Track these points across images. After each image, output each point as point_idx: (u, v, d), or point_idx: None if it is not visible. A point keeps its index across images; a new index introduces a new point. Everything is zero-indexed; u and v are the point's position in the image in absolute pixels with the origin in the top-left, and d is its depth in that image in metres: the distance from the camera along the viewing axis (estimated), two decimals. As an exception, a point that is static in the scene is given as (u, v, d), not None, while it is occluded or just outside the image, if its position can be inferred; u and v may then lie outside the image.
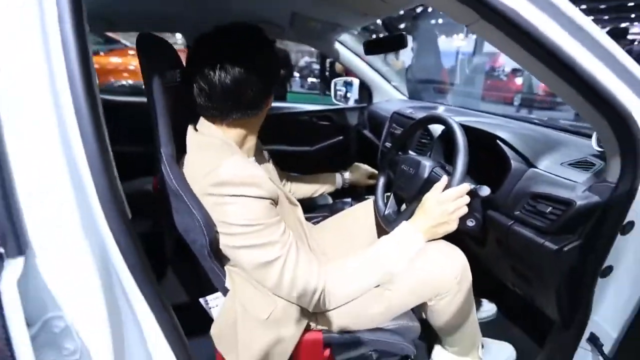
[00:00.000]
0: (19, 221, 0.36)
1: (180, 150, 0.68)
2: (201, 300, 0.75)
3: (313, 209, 1.44)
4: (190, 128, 0.72)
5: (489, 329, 1.17)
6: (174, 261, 0.78)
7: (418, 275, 0.81)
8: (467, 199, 0.75)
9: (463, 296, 0.85)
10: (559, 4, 0.54)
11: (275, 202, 0.67)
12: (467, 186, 0.75)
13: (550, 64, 0.58)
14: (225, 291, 0.73)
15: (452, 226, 0.75)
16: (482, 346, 1.06)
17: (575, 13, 0.55)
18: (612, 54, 0.57)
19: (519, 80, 6.93)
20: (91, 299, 0.42)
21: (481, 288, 1.31)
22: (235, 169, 0.62)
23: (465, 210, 0.75)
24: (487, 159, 0.92)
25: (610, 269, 0.73)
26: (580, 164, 0.79)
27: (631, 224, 0.68)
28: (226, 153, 0.65)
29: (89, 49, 0.40)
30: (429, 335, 1.07)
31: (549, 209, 0.75)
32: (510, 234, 0.83)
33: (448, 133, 0.85)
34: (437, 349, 1.05)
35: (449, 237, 1.09)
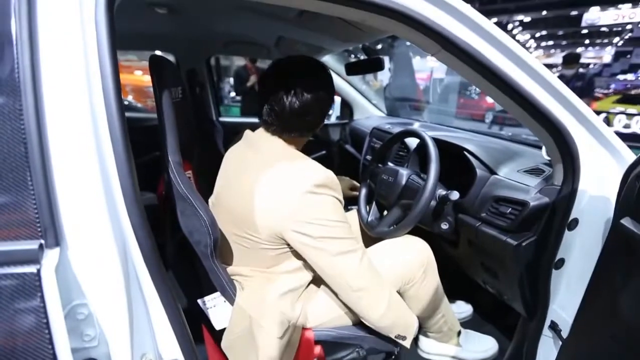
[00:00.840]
0: (57, 217, 0.42)
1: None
2: (199, 301, 0.79)
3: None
4: (248, 133, 0.84)
5: (467, 327, 1.26)
6: (174, 266, 0.82)
7: (389, 264, 0.90)
8: None
9: (430, 282, 0.95)
10: (506, 41, 0.67)
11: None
12: None
13: (501, 87, 0.70)
14: (223, 290, 0.78)
15: None
16: (460, 334, 1.14)
17: (519, 49, 0.68)
18: (548, 81, 0.70)
19: (489, 99, 7.38)
20: (113, 290, 0.48)
21: (458, 291, 1.42)
22: (327, 173, 0.73)
23: None
24: (456, 168, 1.04)
25: (562, 261, 0.85)
26: (534, 171, 0.92)
27: (576, 221, 0.80)
28: (302, 158, 0.77)
29: (118, 71, 0.47)
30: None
31: (509, 209, 0.86)
32: (478, 233, 0.93)
33: (422, 146, 0.96)
34: (420, 337, 1.13)
35: (428, 242, 1.20)
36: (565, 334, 0.88)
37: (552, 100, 0.70)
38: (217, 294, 0.79)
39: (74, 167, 0.44)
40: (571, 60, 3.84)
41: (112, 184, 0.47)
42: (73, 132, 0.44)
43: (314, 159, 2.00)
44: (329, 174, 0.74)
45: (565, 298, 0.88)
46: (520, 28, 16.45)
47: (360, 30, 0.98)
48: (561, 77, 3.95)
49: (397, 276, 0.91)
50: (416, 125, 1.66)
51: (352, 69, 1.38)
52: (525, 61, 0.67)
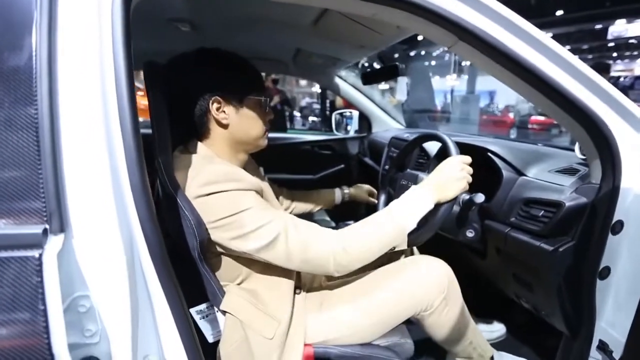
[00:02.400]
0: (63, 202, 0.42)
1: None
2: (192, 310, 0.75)
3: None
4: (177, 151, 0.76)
5: (501, 349, 1.14)
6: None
7: (404, 288, 0.82)
8: (471, 169, 0.80)
9: (453, 310, 0.85)
10: (527, 28, 0.63)
11: (259, 193, 0.72)
12: (469, 158, 0.81)
13: (525, 78, 0.66)
14: (214, 297, 0.74)
15: (462, 184, 0.78)
16: (492, 358, 1.03)
17: (541, 35, 0.64)
18: (576, 67, 0.65)
19: (512, 115, 7.19)
20: (116, 283, 0.46)
21: (489, 308, 1.31)
22: (216, 169, 0.68)
23: (471, 172, 0.80)
24: (480, 171, 0.98)
25: (607, 270, 0.76)
26: (567, 171, 0.85)
27: (620, 223, 0.72)
28: (207, 161, 0.71)
29: (132, 64, 0.48)
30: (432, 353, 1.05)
31: (541, 212, 0.79)
32: (507, 240, 0.86)
33: (443, 150, 0.91)
34: None
35: (452, 253, 1.12)
36: (617, 355, 0.77)
37: (583, 88, 0.65)
38: (208, 304, 0.76)
39: (84, 156, 0.44)
40: (601, 69, 3.69)
41: (120, 175, 0.47)
42: (85, 122, 0.44)
43: (332, 172, 1.98)
44: (218, 169, 0.68)
45: (615, 313, 0.78)
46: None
47: (375, 32, 0.98)
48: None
49: (409, 303, 0.82)
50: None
51: (368, 78, 1.38)
52: (550, 47, 0.63)
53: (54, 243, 0.40)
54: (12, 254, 0.38)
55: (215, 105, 0.74)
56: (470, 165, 0.82)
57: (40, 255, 0.39)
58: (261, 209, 0.68)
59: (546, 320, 0.93)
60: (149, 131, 0.70)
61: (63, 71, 0.43)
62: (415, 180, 0.99)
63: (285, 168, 2.09)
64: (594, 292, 0.77)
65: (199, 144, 0.77)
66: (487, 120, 7.65)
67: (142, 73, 0.78)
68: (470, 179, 0.80)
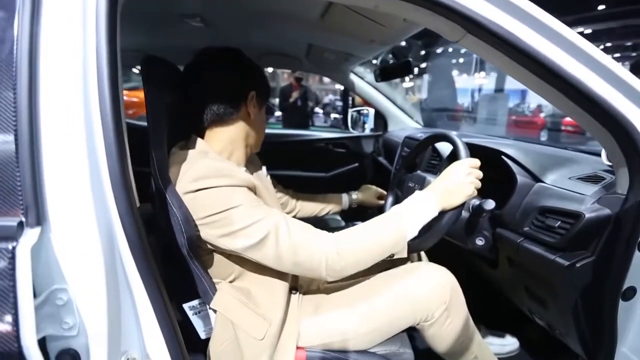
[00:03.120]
0: (41, 196, 0.42)
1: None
2: (185, 306, 0.75)
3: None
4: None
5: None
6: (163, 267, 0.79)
7: (403, 296, 0.78)
8: (480, 174, 0.75)
9: (455, 322, 0.80)
10: (544, 18, 0.57)
11: (252, 189, 0.70)
12: (478, 161, 0.75)
13: (540, 74, 0.60)
14: (205, 295, 0.73)
15: (468, 190, 0.72)
16: None
17: (561, 26, 0.58)
18: (602, 64, 0.58)
19: (543, 115, 6.79)
20: (94, 277, 0.46)
21: (502, 320, 1.23)
22: (208, 164, 0.67)
23: (479, 177, 0.75)
24: (493, 176, 0.91)
25: (633, 290, 0.68)
26: (590, 178, 0.77)
27: (649, 240, 0.64)
28: (201, 156, 0.71)
29: (117, 67, 0.47)
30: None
31: (558, 223, 0.72)
32: (520, 251, 0.79)
33: (455, 153, 0.86)
34: None
35: (462, 261, 1.05)
36: (640, 385, 0.69)
37: (610, 87, 0.58)
38: (200, 300, 0.75)
39: (63, 150, 0.44)
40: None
41: (100, 170, 0.46)
42: (64, 115, 0.44)
43: (345, 171, 1.94)
44: (210, 164, 0.67)
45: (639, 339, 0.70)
46: (581, 41, 15.18)
47: (382, 26, 0.93)
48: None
49: (408, 312, 0.78)
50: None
51: (381, 75, 1.33)
52: (572, 41, 0.57)
53: (29, 236, 0.40)
54: (-13, 245, 0.38)
55: (251, 97, 0.79)
56: (483, 169, 0.76)
57: (14, 247, 0.39)
58: (252, 206, 0.66)
59: (561, 340, 0.86)
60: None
61: (44, 64, 0.42)
62: (422, 183, 0.94)
63: (298, 165, 2.08)
64: (616, 314, 0.69)
65: (198, 139, 0.77)
66: (516, 121, 7.26)
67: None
68: (478, 184, 0.74)
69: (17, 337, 0.38)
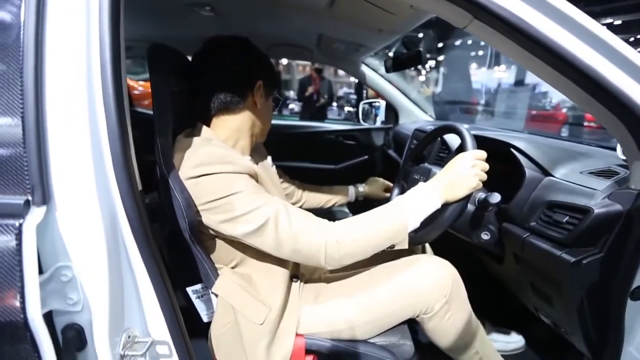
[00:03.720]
0: (47, 176, 0.43)
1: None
2: (188, 289, 0.77)
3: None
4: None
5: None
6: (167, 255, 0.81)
7: (403, 288, 0.78)
8: (486, 166, 0.73)
9: (456, 316, 0.79)
10: (555, 2, 0.54)
11: (253, 177, 0.70)
12: (485, 153, 0.73)
13: (552, 62, 0.58)
14: (207, 279, 0.75)
15: (472, 182, 0.71)
16: None
17: (574, 11, 0.55)
18: (619, 51, 0.55)
19: (565, 110, 6.51)
20: (97, 255, 0.48)
21: (508, 317, 1.21)
22: (210, 151, 0.68)
23: (485, 169, 0.73)
24: (501, 169, 0.89)
25: (642, 290, 0.66)
26: (603, 173, 0.74)
27: (663, 238, 0.62)
28: (204, 143, 0.72)
29: (120, 54, 0.48)
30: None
31: (566, 218, 0.70)
32: (525, 246, 0.78)
33: (462, 145, 0.84)
34: None
35: (468, 255, 1.03)
36: (647, 387, 0.67)
37: (626, 77, 0.55)
38: (203, 284, 0.77)
39: (67, 133, 0.45)
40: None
41: (103, 152, 0.48)
42: (69, 99, 0.45)
43: (355, 163, 1.93)
44: (212, 151, 0.68)
45: (649, 340, 0.68)
46: (610, 32, 14.43)
47: (390, 14, 0.91)
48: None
49: (407, 304, 0.78)
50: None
51: (392, 65, 1.30)
52: (586, 27, 0.54)
53: (35, 214, 0.42)
54: (-4, 221, 0.40)
55: (258, 86, 0.79)
56: (490, 161, 0.74)
57: (21, 224, 0.41)
58: (252, 193, 0.67)
59: (566, 338, 0.84)
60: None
61: (49, 50, 0.44)
62: (427, 175, 0.93)
63: (307, 156, 2.08)
64: (624, 314, 0.67)
65: (204, 127, 0.78)
66: (536, 116, 6.98)
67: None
68: (484, 177, 0.72)
69: (23, 309, 0.40)
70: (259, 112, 0.82)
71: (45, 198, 0.43)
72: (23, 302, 0.40)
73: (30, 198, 0.42)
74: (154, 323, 0.56)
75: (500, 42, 0.59)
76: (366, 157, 2.11)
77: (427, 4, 0.58)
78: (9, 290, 0.40)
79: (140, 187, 0.53)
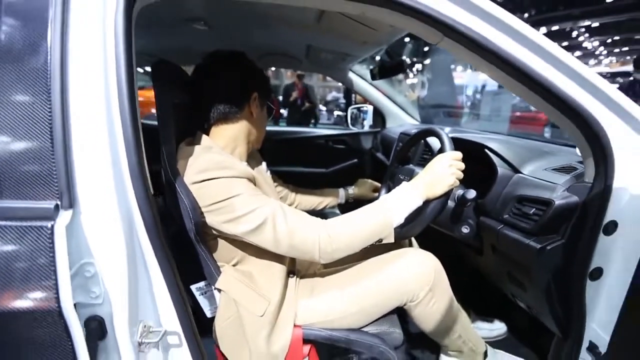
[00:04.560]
0: (72, 183, 0.49)
1: None
2: (192, 287, 0.83)
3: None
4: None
5: (500, 347, 1.14)
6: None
7: (391, 279, 0.85)
8: (462, 165, 0.80)
9: (439, 302, 0.87)
10: (513, 24, 0.63)
11: (251, 181, 0.77)
12: (460, 154, 0.81)
13: (512, 74, 0.66)
14: (210, 276, 0.80)
15: (450, 180, 0.78)
16: (486, 354, 1.04)
17: (529, 30, 0.64)
18: (567, 64, 0.64)
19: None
20: (116, 254, 0.53)
21: (491, 307, 1.30)
22: (210, 158, 0.75)
23: (461, 168, 0.80)
24: (477, 167, 0.98)
25: (599, 271, 0.74)
26: (564, 169, 0.83)
27: (614, 224, 0.71)
28: (205, 150, 0.78)
29: (133, 70, 0.54)
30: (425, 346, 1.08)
31: (533, 210, 0.78)
32: (500, 237, 0.86)
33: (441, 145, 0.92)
34: (441, 356, 1.04)
35: (451, 249, 1.11)
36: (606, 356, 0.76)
37: (574, 84, 0.64)
38: (207, 281, 0.82)
39: (89, 144, 0.51)
40: (643, 63, 3.39)
41: (120, 161, 0.54)
42: (90, 115, 0.51)
43: (345, 167, 2.02)
44: (213, 158, 0.74)
45: (607, 316, 0.76)
46: (587, 35, 15.00)
47: (372, 29, 1.00)
48: (634, 82, 3.51)
49: (395, 293, 0.86)
50: (446, 130, 1.60)
51: (376, 74, 1.39)
52: (539, 44, 0.63)
53: (64, 217, 0.48)
54: (31, 223, 0.46)
55: (254, 97, 0.87)
56: (467, 161, 0.82)
57: (52, 226, 0.46)
58: (251, 195, 0.73)
59: (540, 320, 0.93)
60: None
61: (72, 71, 0.50)
62: (411, 175, 1.01)
63: (299, 161, 2.15)
64: (584, 293, 0.76)
65: (204, 136, 0.84)
66: (520, 117, 7.20)
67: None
68: (460, 175, 0.80)
69: (57, 300, 0.46)
70: (254, 121, 0.89)
71: (71, 202, 0.49)
72: (57, 293, 0.46)
73: (59, 203, 0.48)
74: (166, 315, 0.62)
75: (467, 56, 0.68)
76: (355, 160, 2.19)
77: (403, 23, 0.66)
78: (46, 283, 0.46)
79: (152, 191, 0.59)
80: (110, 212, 0.52)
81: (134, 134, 0.53)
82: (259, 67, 0.91)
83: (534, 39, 0.64)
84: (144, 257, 0.58)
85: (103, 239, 0.52)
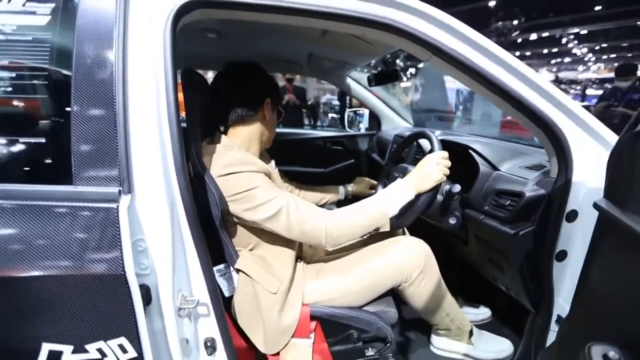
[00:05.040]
0: (130, 173, 0.61)
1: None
2: (213, 269, 0.94)
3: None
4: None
5: (485, 329, 1.27)
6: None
7: (387, 262, 0.98)
8: (449, 163, 0.93)
9: (429, 283, 1.00)
10: (489, 46, 0.76)
11: (267, 175, 0.89)
12: (447, 153, 0.93)
13: (488, 87, 0.79)
14: (230, 259, 0.92)
15: (438, 176, 0.90)
16: (472, 333, 1.17)
17: (502, 52, 0.77)
18: (530, 78, 0.77)
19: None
20: (162, 232, 0.65)
21: (477, 294, 1.43)
22: (234, 155, 0.87)
23: (448, 165, 0.92)
24: (462, 166, 1.11)
25: (564, 253, 0.88)
26: (535, 167, 0.97)
27: (575, 213, 0.84)
28: (226, 149, 0.90)
29: (176, 79, 0.66)
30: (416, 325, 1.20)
31: (508, 201, 0.92)
32: (481, 226, 0.99)
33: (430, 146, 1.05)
34: (432, 335, 1.17)
35: (442, 242, 1.24)
36: (571, 328, 0.89)
37: (537, 95, 0.78)
38: (226, 263, 0.94)
39: (144, 142, 0.63)
40: (626, 71, 3.58)
41: (167, 155, 0.65)
42: (144, 117, 0.63)
43: (342, 167, 2.18)
44: (235, 155, 0.86)
45: (571, 292, 0.89)
46: (576, 41, 15.44)
47: (370, 44, 1.12)
48: (615, 90, 3.69)
49: (391, 274, 0.98)
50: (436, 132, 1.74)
51: (373, 80, 1.52)
52: (509, 63, 0.76)
53: (125, 200, 0.59)
54: (101, 205, 0.57)
55: (267, 102, 0.98)
56: (454, 160, 0.95)
57: (117, 207, 0.58)
58: (268, 187, 0.85)
59: (518, 301, 1.05)
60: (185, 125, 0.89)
61: (132, 81, 0.61)
62: (405, 173, 1.13)
63: (299, 161, 2.27)
64: (552, 272, 0.89)
65: (223, 136, 0.96)
66: (510, 122, 7.41)
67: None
68: (447, 172, 0.93)
69: (123, 267, 0.57)
70: (267, 123, 1.01)
71: (130, 188, 0.61)
72: (122, 262, 0.57)
73: (121, 188, 0.59)
74: (197, 287, 0.73)
75: (453, 72, 0.81)
76: (352, 160, 2.32)
77: (398, 43, 0.78)
78: (113, 253, 0.57)
79: (190, 176, 0.70)
80: (158, 198, 0.64)
81: (178, 132, 0.65)
82: (271, 76, 1.03)
83: (509, 61, 0.77)
84: (182, 237, 0.69)
85: (152, 220, 0.64)
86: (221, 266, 0.96)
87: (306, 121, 5.04)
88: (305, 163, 2.30)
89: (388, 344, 0.99)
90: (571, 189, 0.81)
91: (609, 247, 0.58)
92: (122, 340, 0.60)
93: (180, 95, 0.74)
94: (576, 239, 0.86)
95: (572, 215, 0.84)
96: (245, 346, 0.96)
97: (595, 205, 0.61)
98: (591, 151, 0.80)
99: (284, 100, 4.91)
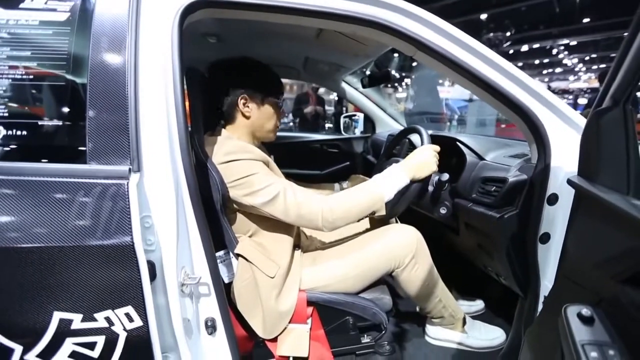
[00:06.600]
0: (140, 153, 0.66)
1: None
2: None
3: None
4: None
5: (478, 320, 1.30)
6: None
7: (381, 248, 1.02)
8: (438, 153, 0.98)
9: (421, 267, 1.04)
10: (470, 42, 0.83)
11: (266, 164, 0.93)
12: (438, 147, 0.98)
13: (470, 79, 0.86)
14: (230, 244, 0.96)
15: (431, 166, 0.95)
16: (465, 322, 1.20)
17: (481, 47, 0.84)
18: (508, 71, 0.84)
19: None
20: (167, 211, 0.69)
21: (471, 286, 1.47)
22: (234, 143, 0.92)
23: (438, 156, 0.97)
24: (451, 158, 1.17)
25: (547, 235, 0.92)
26: (518, 155, 1.03)
27: (555, 196, 0.89)
28: (227, 140, 0.95)
29: (183, 70, 0.72)
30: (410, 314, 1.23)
31: (493, 188, 0.97)
32: (470, 213, 1.04)
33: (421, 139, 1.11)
34: (426, 324, 1.20)
35: (432, 232, 1.28)
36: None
37: (515, 86, 0.84)
38: (226, 250, 0.98)
39: (153, 126, 0.68)
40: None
41: (173, 139, 0.70)
42: (154, 103, 0.69)
43: (338, 169, 2.27)
44: (236, 144, 0.91)
45: (555, 273, 0.94)
46: (566, 52, 15.84)
47: (362, 44, 1.20)
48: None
49: (384, 260, 1.02)
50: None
51: (366, 82, 1.60)
52: (488, 56, 0.83)
53: (134, 178, 0.64)
54: (113, 181, 0.62)
55: (242, 101, 0.97)
56: (443, 153, 1.01)
57: (127, 183, 0.62)
58: (266, 174, 0.90)
59: (505, 284, 1.10)
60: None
61: (142, 75, 0.67)
62: (397, 165, 1.19)
63: (296, 163, 2.33)
64: (537, 255, 0.93)
65: (223, 130, 1.01)
66: (504, 130, 7.60)
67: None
68: (437, 162, 0.99)
69: (131, 237, 0.61)
70: (254, 122, 1.01)
71: (139, 167, 0.65)
72: (131, 235, 0.61)
73: (131, 167, 0.64)
74: (199, 266, 0.77)
75: (438, 66, 0.87)
76: (348, 162, 2.38)
77: (385, 39, 0.85)
78: (124, 226, 0.62)
79: (194, 159, 0.75)
80: (164, 178, 0.69)
81: (184, 117, 0.70)
82: (245, 64, 1.01)
83: (489, 55, 0.84)
84: (186, 216, 0.74)
85: (159, 198, 0.69)
86: (221, 252, 0.99)
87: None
88: (301, 165, 2.35)
89: (383, 331, 1.03)
90: (550, 173, 0.87)
91: (583, 218, 0.63)
92: (129, 309, 0.63)
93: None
94: (558, 221, 0.91)
95: (553, 199, 0.89)
96: (244, 333, 0.99)
97: (569, 182, 0.66)
98: (567, 137, 0.86)
99: (306, 109, 4.87)
